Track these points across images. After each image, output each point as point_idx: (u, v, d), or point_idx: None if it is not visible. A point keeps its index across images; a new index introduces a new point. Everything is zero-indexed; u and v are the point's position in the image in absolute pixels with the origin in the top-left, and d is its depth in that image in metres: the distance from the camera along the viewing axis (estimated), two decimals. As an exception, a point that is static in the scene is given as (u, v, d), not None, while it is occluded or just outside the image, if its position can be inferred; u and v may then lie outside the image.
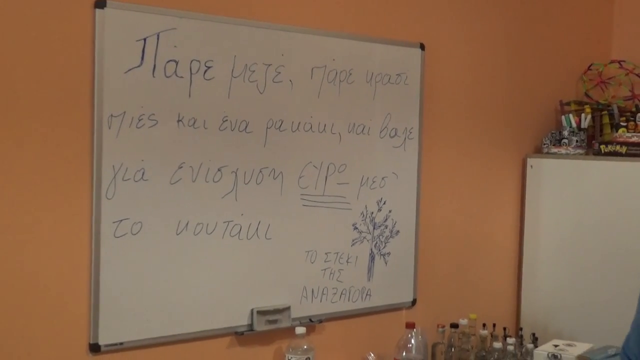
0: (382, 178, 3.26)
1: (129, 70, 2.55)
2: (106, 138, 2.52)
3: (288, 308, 2.98)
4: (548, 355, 3.03)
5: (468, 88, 3.58)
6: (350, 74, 3.12)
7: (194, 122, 2.70)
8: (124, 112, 2.55)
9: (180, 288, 2.70)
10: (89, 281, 2.51)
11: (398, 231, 3.34)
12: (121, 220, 2.56)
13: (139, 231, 2.60)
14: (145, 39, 2.58)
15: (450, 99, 3.51)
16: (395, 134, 3.29)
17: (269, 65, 2.88)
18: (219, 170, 2.77)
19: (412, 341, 3.09)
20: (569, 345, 3.07)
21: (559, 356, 3.01)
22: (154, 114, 2.61)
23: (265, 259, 2.92)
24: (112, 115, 2.52)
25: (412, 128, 3.35)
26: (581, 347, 3.07)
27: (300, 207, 3.01)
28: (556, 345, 3.07)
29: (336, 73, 3.07)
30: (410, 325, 3.11)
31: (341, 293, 3.17)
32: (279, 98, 2.91)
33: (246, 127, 2.83)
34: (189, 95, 2.69)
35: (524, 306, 3.86)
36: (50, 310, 2.45)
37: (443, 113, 3.49)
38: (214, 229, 2.78)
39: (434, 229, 3.49)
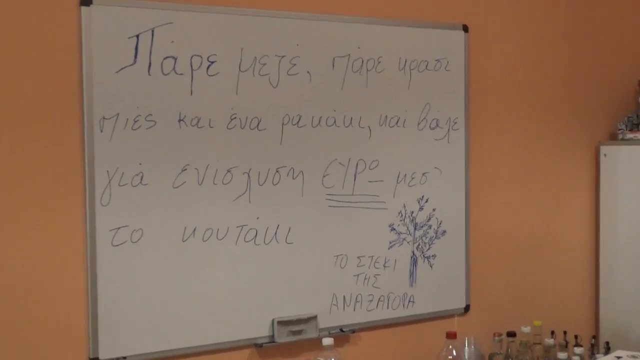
0: (423, 174, 2.99)
1: (121, 70, 2.41)
2: (98, 142, 2.39)
3: (314, 317, 2.76)
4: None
5: (522, 72, 3.23)
6: (379, 62, 2.86)
7: (198, 122, 2.54)
8: (118, 114, 2.41)
9: (190, 298, 2.55)
10: (86, 292, 2.40)
11: (444, 231, 3.05)
12: (119, 228, 2.43)
13: (139, 239, 2.46)
14: (138, 36, 2.43)
15: (502, 85, 3.18)
16: (437, 125, 3.01)
17: (282, 57, 2.67)
18: (228, 171, 2.60)
19: (454, 353, 2.79)
20: (634, 357, 2.68)
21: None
22: (151, 115, 2.46)
23: (286, 265, 2.72)
24: (104, 118, 2.39)
25: (456, 118, 3.05)
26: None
27: (325, 208, 2.79)
28: (619, 357, 2.69)
29: (362, 62, 2.83)
30: (451, 335, 2.82)
31: (378, 300, 2.92)
32: (296, 92, 2.70)
33: (258, 124, 2.64)
34: (191, 93, 2.53)
35: (603, 310, 3.46)
36: (47, 324, 2.36)
37: (493, 101, 3.16)
38: (226, 235, 2.60)
39: (487, 228, 3.17)
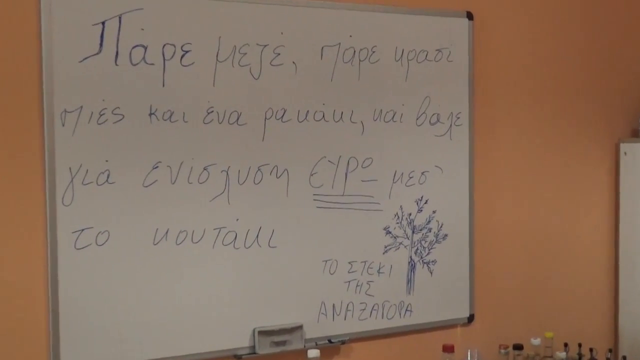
0: (422, 173, 2.77)
1: (85, 59, 2.24)
2: (59, 137, 2.22)
3: (300, 327, 2.56)
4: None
5: (533, 63, 2.99)
6: (374, 51, 2.65)
7: (171, 115, 2.35)
8: (81, 107, 2.24)
9: (162, 305, 2.37)
10: (47, 300, 2.23)
11: (446, 235, 2.83)
12: (82, 230, 2.26)
13: (105, 242, 2.28)
14: (104, 23, 2.26)
15: (510, 77, 2.95)
16: (438, 120, 2.78)
17: (265, 46, 2.48)
18: (204, 169, 2.41)
19: (451, 367, 2.58)
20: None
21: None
22: (118, 108, 2.28)
23: (269, 270, 2.52)
24: (65, 111, 2.22)
25: (459, 113, 2.82)
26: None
27: (313, 210, 2.58)
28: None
29: (354, 52, 2.62)
30: (448, 349, 2.60)
31: (372, 309, 2.71)
32: (280, 84, 2.50)
33: (238, 118, 2.45)
34: (163, 85, 2.34)
35: (622, 321, 3.21)
36: (3, 334, 2.19)
37: (500, 94, 2.93)
38: (202, 237, 2.41)
39: (493, 231, 2.94)
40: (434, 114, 2.77)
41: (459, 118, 2.82)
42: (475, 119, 2.86)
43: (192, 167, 2.39)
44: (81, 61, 2.23)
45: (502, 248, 2.97)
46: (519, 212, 3.00)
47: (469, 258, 2.88)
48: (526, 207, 3.02)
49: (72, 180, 2.23)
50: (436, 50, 2.76)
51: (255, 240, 2.50)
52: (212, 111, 2.41)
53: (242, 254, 2.48)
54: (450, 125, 2.81)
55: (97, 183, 2.27)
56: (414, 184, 2.75)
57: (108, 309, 2.29)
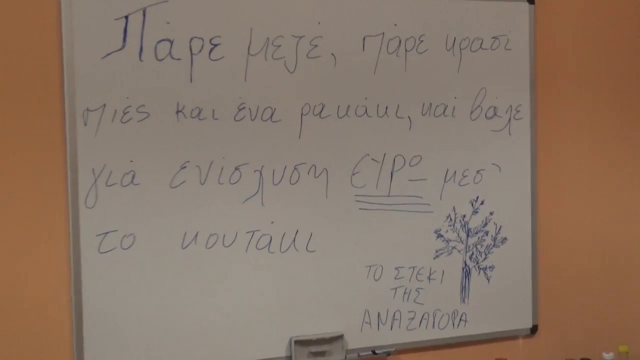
0: (477, 171, 2.55)
1: (107, 55, 2.14)
2: (82, 136, 2.13)
3: (340, 337, 2.40)
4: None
5: (602, 51, 2.73)
6: (422, 41, 2.46)
7: (199, 112, 2.23)
8: (104, 105, 2.15)
9: (191, 313, 2.25)
10: (70, 306, 2.15)
11: (505, 239, 2.60)
12: (107, 233, 2.16)
13: (131, 245, 2.19)
14: (127, 17, 2.16)
15: (577, 67, 2.70)
16: (495, 113, 2.56)
17: (301, 37, 2.33)
18: (236, 169, 2.28)
19: (505, 384, 2.36)
20: None
21: None
22: (143, 105, 2.18)
23: (307, 275, 2.37)
24: (88, 110, 2.13)
25: (519, 106, 2.59)
26: None
27: (355, 211, 2.42)
28: None
29: (399, 41, 2.43)
30: (502, 363, 2.38)
31: (422, 318, 2.52)
32: (317, 77, 2.35)
33: (272, 115, 2.30)
34: (191, 80, 2.22)
35: None
36: (26, 342, 2.13)
37: (566, 85, 2.68)
38: (234, 241, 2.28)
39: (559, 235, 2.69)
40: (490, 107, 2.56)
41: (519, 111, 2.59)
42: (538, 113, 2.63)
43: (222, 167, 2.26)
44: (104, 57, 2.14)
45: (569, 253, 2.72)
46: (588, 215, 2.74)
47: (532, 263, 2.64)
48: (597, 209, 2.75)
49: (95, 182, 2.15)
50: (492, 38, 2.55)
51: (292, 244, 2.35)
52: (244, 107, 2.27)
53: (278, 259, 2.34)
54: (510, 119, 2.58)
55: (121, 184, 2.17)
56: (468, 184, 2.55)
57: (134, 317, 2.19)
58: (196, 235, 2.25)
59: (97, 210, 2.15)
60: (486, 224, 2.58)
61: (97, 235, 2.16)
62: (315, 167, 2.36)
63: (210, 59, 2.24)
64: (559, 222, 2.68)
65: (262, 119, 2.30)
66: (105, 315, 2.17)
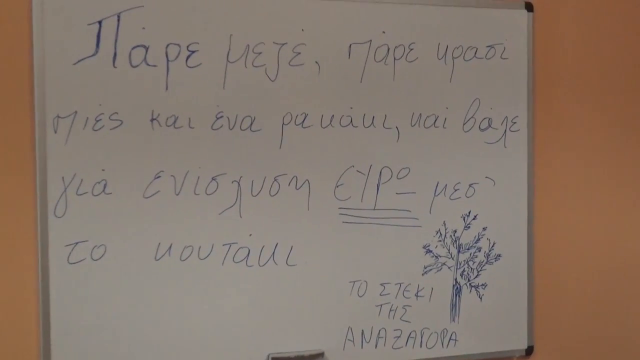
0: (470, 185, 2.45)
1: (79, 61, 2.09)
2: (51, 144, 2.08)
3: (320, 354, 2.31)
4: None
5: (605, 60, 2.60)
6: (411, 49, 2.37)
7: (175, 121, 2.17)
8: (75, 112, 2.10)
9: (164, 327, 2.19)
10: (38, 318, 2.10)
11: (499, 255, 2.50)
12: (77, 243, 2.11)
13: (102, 256, 2.13)
14: (100, 22, 2.10)
15: (578, 77, 2.58)
16: (489, 125, 2.46)
17: (283, 44, 2.25)
18: (213, 179, 2.21)
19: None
20: None
21: None
22: (116, 113, 2.13)
23: (286, 290, 2.29)
24: (58, 117, 2.08)
25: (515, 117, 2.49)
26: None
27: (338, 225, 2.33)
28: None
29: (388, 49, 2.35)
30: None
31: (408, 336, 2.42)
32: (300, 86, 2.27)
33: (251, 124, 2.23)
34: (166, 88, 2.16)
35: None
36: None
37: (566, 95, 2.57)
38: (209, 253, 2.22)
39: (557, 252, 2.58)
40: (484, 119, 2.45)
41: (515, 123, 2.49)
42: (536, 124, 2.52)
43: (199, 177, 2.20)
44: (75, 63, 2.09)
45: (568, 270, 2.60)
46: (587, 231, 2.62)
47: (527, 281, 2.53)
48: (597, 225, 2.63)
49: (65, 191, 2.10)
50: (487, 46, 2.45)
51: (271, 258, 2.27)
52: (222, 116, 2.21)
53: (256, 272, 2.26)
54: (505, 130, 2.48)
55: (92, 193, 2.12)
56: (459, 197, 2.45)
57: (104, 330, 2.14)
58: (170, 246, 2.19)
59: (66, 219, 2.10)
60: (479, 239, 2.47)
61: (66, 246, 2.11)
62: (296, 178, 2.28)
63: (187, 66, 2.18)
64: (556, 239, 2.57)
65: (240, 128, 2.23)
66: (74, 328, 2.11)
